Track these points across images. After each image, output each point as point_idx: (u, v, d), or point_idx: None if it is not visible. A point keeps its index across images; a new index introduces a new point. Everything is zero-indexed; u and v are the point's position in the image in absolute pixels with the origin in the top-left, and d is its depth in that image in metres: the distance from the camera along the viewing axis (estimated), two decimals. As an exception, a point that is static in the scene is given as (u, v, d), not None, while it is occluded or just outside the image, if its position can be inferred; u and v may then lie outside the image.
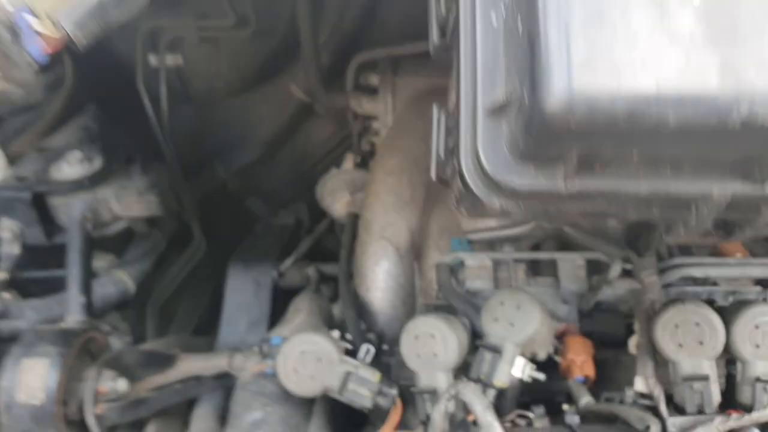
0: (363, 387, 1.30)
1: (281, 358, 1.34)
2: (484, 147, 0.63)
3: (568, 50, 0.53)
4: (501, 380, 1.30)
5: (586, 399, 1.35)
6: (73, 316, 1.66)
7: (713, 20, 0.53)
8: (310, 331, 1.38)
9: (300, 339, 1.34)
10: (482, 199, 0.68)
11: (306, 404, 1.46)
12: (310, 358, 1.32)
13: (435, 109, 0.81)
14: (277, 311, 1.95)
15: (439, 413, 1.23)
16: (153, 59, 2.14)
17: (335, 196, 2.04)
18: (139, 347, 1.91)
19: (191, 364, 1.73)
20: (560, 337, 1.47)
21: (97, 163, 1.75)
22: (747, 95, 0.53)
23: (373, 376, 1.31)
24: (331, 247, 2.22)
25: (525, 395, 1.54)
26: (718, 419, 1.20)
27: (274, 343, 1.46)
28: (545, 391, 1.53)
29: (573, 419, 1.33)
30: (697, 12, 0.53)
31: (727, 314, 1.31)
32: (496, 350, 1.30)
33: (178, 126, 2.31)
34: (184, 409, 1.74)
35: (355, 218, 1.94)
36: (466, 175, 0.67)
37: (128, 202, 1.76)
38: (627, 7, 0.53)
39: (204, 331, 2.32)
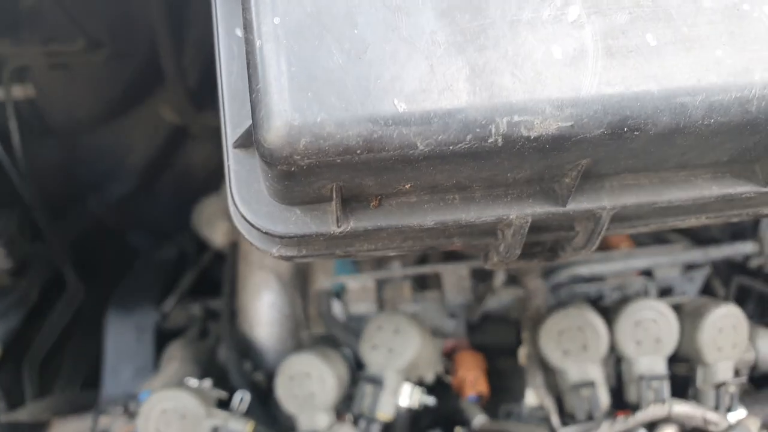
0: (234, 440, 1.18)
1: (141, 419, 1.21)
2: (240, 191, 0.53)
3: (284, 68, 0.42)
4: (385, 412, 1.21)
5: (479, 419, 1.28)
6: None
7: (458, 19, 0.44)
8: (175, 386, 1.24)
9: (160, 396, 1.20)
10: (262, 249, 0.57)
11: (182, 464, 1.33)
12: (173, 416, 1.19)
13: None
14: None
15: (316, 461, 1.13)
16: (-2, 92, 1.93)
17: (213, 225, 1.90)
18: (5, 418, 1.72)
19: (65, 430, 1.58)
20: (450, 353, 1.40)
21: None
22: (503, 107, 0.44)
23: (245, 427, 1.19)
24: (221, 279, 2.08)
25: (423, 419, 1.47)
26: (605, 425, 1.16)
27: (141, 399, 1.32)
28: (443, 414, 1.46)
29: (466, 443, 1.26)
30: (437, 9, 0.43)
31: (610, 314, 1.27)
32: (377, 381, 1.21)
33: (40, 162, 2.10)
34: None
35: (236, 248, 1.80)
36: (237, 224, 0.56)
37: (-31, 258, 1.56)
38: (352, 7, 0.43)
39: (95, 382, 2.13)
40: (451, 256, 1.57)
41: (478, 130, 0.44)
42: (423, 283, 1.57)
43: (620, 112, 0.46)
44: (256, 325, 1.59)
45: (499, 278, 1.42)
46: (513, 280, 1.45)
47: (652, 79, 0.46)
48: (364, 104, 0.43)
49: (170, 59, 1.89)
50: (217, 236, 1.89)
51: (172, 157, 2.27)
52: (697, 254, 1.49)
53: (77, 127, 2.14)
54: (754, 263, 1.57)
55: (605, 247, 1.64)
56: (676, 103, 0.46)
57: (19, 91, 2.00)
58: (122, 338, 1.86)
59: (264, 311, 1.60)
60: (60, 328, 2.12)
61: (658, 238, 1.69)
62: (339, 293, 1.53)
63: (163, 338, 1.84)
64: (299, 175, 0.46)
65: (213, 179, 2.32)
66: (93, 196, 2.25)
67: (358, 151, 0.44)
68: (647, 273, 1.51)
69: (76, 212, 2.23)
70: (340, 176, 0.48)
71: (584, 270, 1.48)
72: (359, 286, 1.46)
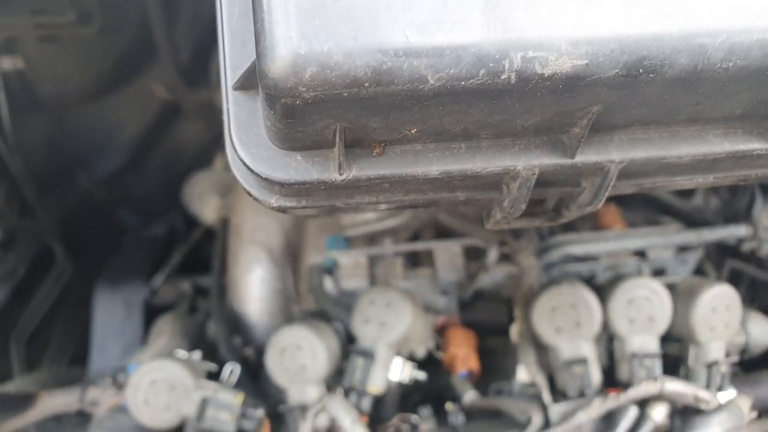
0: (223, 412, 1.17)
1: (130, 390, 1.20)
2: (239, 135, 0.51)
3: None
4: (376, 386, 1.21)
5: (469, 395, 1.27)
6: None
7: None
8: (164, 357, 1.23)
9: (149, 367, 1.19)
10: (260, 199, 0.56)
11: (171, 435, 1.32)
12: (163, 387, 1.18)
13: None
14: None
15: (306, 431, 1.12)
16: (-14, 63, 1.90)
17: (204, 201, 1.88)
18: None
19: (53, 402, 1.56)
20: (441, 330, 1.39)
21: None
22: (518, 42, 0.43)
23: (235, 398, 1.18)
24: (211, 256, 2.06)
25: (414, 394, 1.46)
26: (597, 401, 1.16)
27: (129, 371, 1.31)
28: (433, 389, 1.46)
29: (457, 419, 1.26)
30: None
31: (603, 292, 1.27)
32: (369, 354, 1.21)
33: (28, 136, 2.08)
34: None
35: (226, 223, 1.79)
36: (235, 171, 0.54)
37: (-46, 228, 1.53)
38: None
39: (83, 358, 2.12)
40: (444, 235, 1.57)
41: (491, 64, 0.43)
42: (415, 262, 1.56)
43: (637, 52, 0.45)
44: (247, 300, 1.58)
45: (492, 255, 1.42)
46: (506, 258, 1.45)
47: (671, 18, 0.44)
48: (373, 34, 0.42)
49: (162, 34, 1.86)
50: (207, 212, 1.88)
51: (162, 133, 2.25)
52: (691, 236, 1.49)
53: (66, 102, 2.11)
54: (746, 247, 1.57)
55: (599, 227, 1.65)
56: (695, 44, 0.45)
57: (7, 63, 1.96)
58: (110, 314, 1.84)
59: (255, 286, 1.58)
60: (48, 304, 2.10)
61: (652, 221, 1.70)
62: (330, 270, 1.51)
63: (151, 315, 1.82)
64: (303, 112, 0.45)
65: (203, 157, 2.30)
66: (82, 171, 2.23)
67: (366, 84, 0.42)
68: (640, 254, 1.51)
69: (65, 188, 2.20)
70: (345, 115, 0.46)
71: (577, 249, 1.48)
72: (351, 262, 1.45)
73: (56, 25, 1.88)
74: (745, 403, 1.24)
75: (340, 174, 0.51)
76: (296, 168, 0.52)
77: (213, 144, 2.23)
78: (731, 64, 0.46)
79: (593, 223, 1.71)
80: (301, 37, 0.41)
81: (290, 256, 1.66)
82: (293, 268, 1.64)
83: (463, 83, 0.44)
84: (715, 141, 0.57)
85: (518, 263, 1.38)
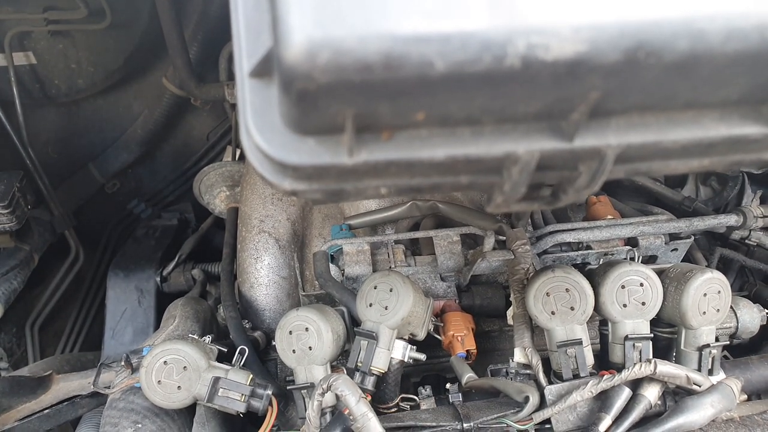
0: (234, 391, 1.23)
1: (143, 371, 1.25)
2: (255, 121, 0.54)
3: None
4: (379, 366, 1.26)
5: (468, 375, 1.33)
6: None
7: None
8: (177, 339, 1.29)
9: (162, 349, 1.25)
10: (273, 182, 0.60)
11: (183, 414, 1.38)
12: (175, 368, 1.24)
13: None
14: (164, 317, 1.85)
15: (312, 409, 1.17)
16: (-1, 58, 1.96)
17: (213, 192, 1.94)
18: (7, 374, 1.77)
19: (68, 385, 1.62)
20: (440, 314, 1.45)
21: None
22: (522, 26, 0.44)
23: (244, 378, 1.24)
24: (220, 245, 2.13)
25: (414, 375, 1.52)
26: (591, 382, 1.20)
27: (145, 354, 1.37)
28: (433, 370, 1.52)
29: (456, 398, 1.31)
30: None
31: (596, 277, 1.31)
32: (372, 336, 1.26)
33: (42, 129, 2.15)
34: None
35: (235, 213, 1.85)
36: (250, 156, 0.59)
37: (-28, 218, 1.60)
38: None
39: (97, 345, 2.19)
40: (444, 224, 1.62)
41: (496, 50, 0.45)
42: (416, 250, 1.62)
43: (637, 37, 0.46)
44: (256, 285, 1.64)
45: (489, 243, 1.47)
46: (502, 245, 1.50)
47: (671, 3, 0.46)
48: (384, 21, 0.44)
49: (172, 30, 1.91)
50: (217, 202, 1.93)
51: (172, 127, 2.31)
52: (682, 224, 1.54)
53: (78, 95, 2.16)
54: (736, 235, 1.62)
55: (591, 218, 1.70)
56: (694, 28, 0.46)
57: (20, 58, 2.02)
58: (123, 301, 1.90)
59: (263, 273, 1.65)
60: (61, 292, 2.16)
61: (643, 211, 1.74)
62: (335, 257, 1.57)
63: (163, 301, 1.89)
64: (316, 97, 0.47)
65: (212, 152, 2.36)
66: (94, 164, 2.29)
67: (377, 69, 0.45)
68: (632, 243, 1.56)
69: (78, 179, 2.27)
70: (356, 100, 0.49)
71: (570, 237, 1.53)
72: (355, 249, 1.50)
73: (68, 20, 1.94)
74: (736, 385, 1.25)
75: (351, 157, 0.54)
76: (309, 152, 0.54)
77: (222, 137, 2.29)
78: (730, 48, 0.47)
79: (586, 213, 1.76)
80: (315, 24, 0.43)
81: (296, 245, 1.72)
82: (299, 256, 1.70)
83: (469, 69, 0.45)
84: (711, 125, 0.58)
85: (514, 251, 1.43)
